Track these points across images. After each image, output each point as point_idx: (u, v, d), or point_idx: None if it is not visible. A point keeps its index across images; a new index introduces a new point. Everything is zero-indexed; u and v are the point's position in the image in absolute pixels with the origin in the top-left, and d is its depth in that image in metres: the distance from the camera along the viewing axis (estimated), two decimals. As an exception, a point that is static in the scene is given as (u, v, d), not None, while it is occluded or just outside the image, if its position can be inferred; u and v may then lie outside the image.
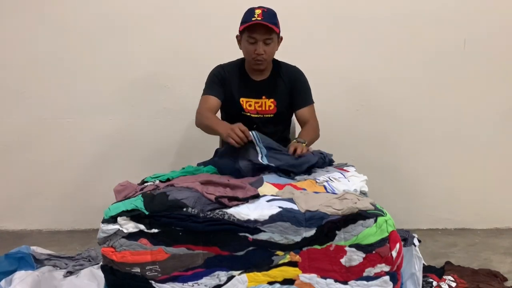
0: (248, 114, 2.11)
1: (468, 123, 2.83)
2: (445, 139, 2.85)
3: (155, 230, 1.43)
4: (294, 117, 2.23)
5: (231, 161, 2.07)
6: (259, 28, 1.93)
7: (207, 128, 2.00)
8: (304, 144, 1.93)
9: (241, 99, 2.10)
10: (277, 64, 2.14)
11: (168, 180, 1.74)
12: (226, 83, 2.12)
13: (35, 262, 2.15)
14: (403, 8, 2.71)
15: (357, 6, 2.71)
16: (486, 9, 2.71)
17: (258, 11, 1.94)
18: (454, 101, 2.81)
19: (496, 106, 2.82)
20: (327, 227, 1.42)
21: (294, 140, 1.96)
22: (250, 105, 2.11)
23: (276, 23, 1.97)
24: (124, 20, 2.73)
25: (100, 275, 1.62)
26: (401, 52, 2.76)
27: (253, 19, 1.92)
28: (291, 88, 2.11)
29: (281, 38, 2.08)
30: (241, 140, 1.79)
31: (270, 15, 1.96)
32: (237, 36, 2.06)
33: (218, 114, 2.18)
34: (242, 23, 1.97)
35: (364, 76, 2.79)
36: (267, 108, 2.11)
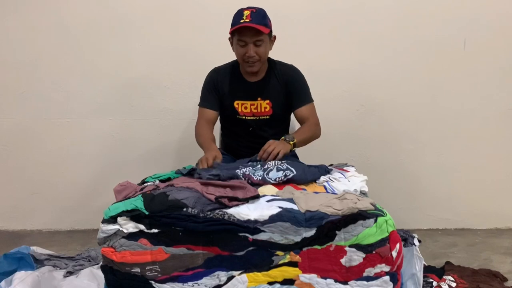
0: (244, 117, 2.10)
1: (468, 123, 2.83)
2: (445, 139, 2.85)
3: (155, 230, 1.43)
4: (293, 119, 2.20)
5: (231, 161, 2.08)
6: (248, 30, 1.90)
7: (201, 146, 2.04)
8: (291, 143, 1.90)
9: (235, 102, 2.09)
10: (272, 63, 2.11)
11: (168, 180, 1.74)
12: (219, 88, 2.10)
13: (35, 262, 2.15)
14: (403, 8, 2.71)
15: (357, 6, 2.71)
16: (486, 9, 2.71)
17: (246, 13, 1.90)
18: (454, 101, 2.81)
19: (496, 106, 2.82)
20: (327, 227, 1.42)
21: (283, 137, 1.93)
22: (245, 108, 2.09)
23: (265, 24, 1.94)
24: (124, 20, 2.73)
25: (100, 275, 1.62)
26: (401, 52, 2.75)
27: (241, 21, 1.89)
28: (286, 88, 2.07)
29: (274, 37, 2.05)
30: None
31: (258, 16, 1.92)
32: (229, 39, 2.04)
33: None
34: (232, 25, 1.94)
35: (364, 76, 2.78)
36: (262, 110, 2.08)
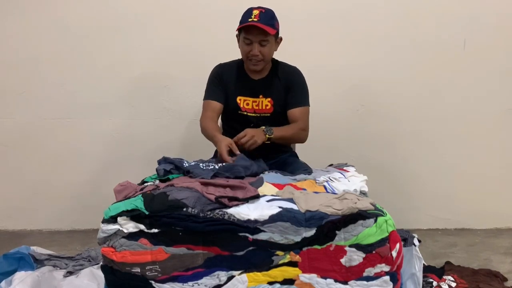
0: (245, 113, 2.11)
1: (468, 123, 2.83)
2: (445, 139, 2.85)
3: (155, 230, 1.43)
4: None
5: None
6: (255, 29, 1.94)
7: (210, 140, 2.03)
8: (267, 136, 1.94)
9: (238, 98, 2.11)
10: (276, 63, 2.14)
11: (168, 180, 1.74)
12: (223, 82, 2.13)
13: (35, 262, 2.14)
14: (403, 8, 2.71)
15: (357, 6, 2.71)
16: (486, 9, 2.71)
17: (255, 12, 1.94)
18: (454, 101, 2.81)
19: (496, 106, 2.82)
20: (327, 227, 1.42)
21: (263, 127, 1.96)
22: (247, 104, 2.11)
23: (273, 25, 1.97)
24: (124, 20, 2.73)
25: (100, 275, 1.62)
26: (401, 52, 2.76)
27: (249, 20, 1.93)
28: (287, 87, 2.10)
29: (281, 38, 2.08)
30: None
31: (267, 16, 1.95)
32: (236, 35, 2.07)
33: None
34: (240, 23, 1.98)
35: (364, 76, 2.78)
36: (264, 107, 2.10)
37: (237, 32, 2.05)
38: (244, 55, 2.03)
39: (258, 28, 1.92)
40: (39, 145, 2.86)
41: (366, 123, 2.83)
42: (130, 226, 1.43)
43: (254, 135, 1.89)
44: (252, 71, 2.10)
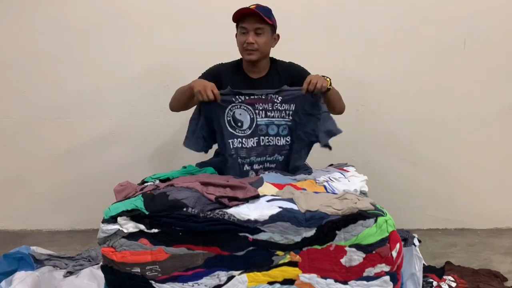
0: None
1: (468, 123, 2.83)
2: (445, 139, 2.85)
3: (155, 230, 1.43)
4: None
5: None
6: (250, 17, 1.97)
7: (179, 96, 2.08)
8: (328, 79, 1.96)
9: None
10: (273, 62, 2.15)
11: (168, 180, 1.74)
12: (222, 81, 2.11)
13: (35, 262, 2.15)
14: (403, 8, 2.71)
15: (357, 6, 2.71)
16: (486, 9, 2.71)
17: (252, 6, 1.99)
18: (454, 101, 2.81)
19: (496, 106, 2.82)
20: (327, 227, 1.43)
21: (323, 75, 1.98)
22: None
23: (269, 17, 2.00)
24: (124, 20, 2.73)
25: (100, 275, 1.62)
26: (401, 52, 2.75)
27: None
28: (291, 80, 2.09)
29: (278, 36, 2.09)
30: (208, 98, 1.89)
31: (263, 9, 2.00)
32: (236, 35, 2.08)
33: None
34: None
35: (364, 76, 2.78)
36: None
37: (236, 30, 2.06)
38: (240, 45, 2.04)
39: (254, 16, 1.96)
40: (39, 145, 2.86)
41: (366, 123, 2.83)
42: (130, 226, 1.43)
43: (319, 78, 1.91)
44: (251, 70, 2.09)
